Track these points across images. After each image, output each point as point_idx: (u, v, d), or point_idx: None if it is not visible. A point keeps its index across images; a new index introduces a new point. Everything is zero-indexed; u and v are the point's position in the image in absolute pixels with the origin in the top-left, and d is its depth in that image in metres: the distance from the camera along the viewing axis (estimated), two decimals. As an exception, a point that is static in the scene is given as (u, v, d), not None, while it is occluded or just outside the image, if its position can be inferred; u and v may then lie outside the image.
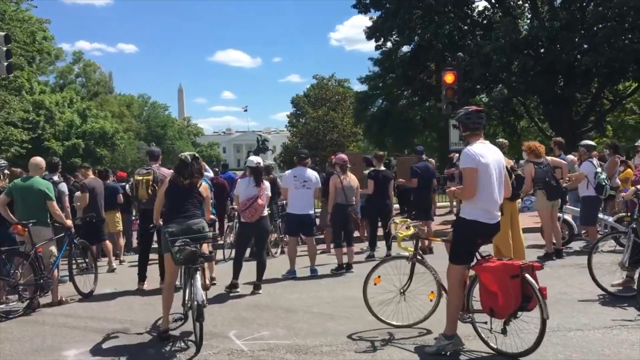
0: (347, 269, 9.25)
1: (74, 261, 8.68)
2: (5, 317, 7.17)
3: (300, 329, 6.17)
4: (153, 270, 9.00)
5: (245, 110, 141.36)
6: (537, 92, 30.18)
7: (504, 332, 5.13)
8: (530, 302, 5.03)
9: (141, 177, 8.59)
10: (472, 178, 4.98)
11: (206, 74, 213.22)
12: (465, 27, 34.24)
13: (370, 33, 39.87)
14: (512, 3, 33.00)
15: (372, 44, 38.40)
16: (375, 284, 6.00)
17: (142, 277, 8.80)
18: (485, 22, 33.80)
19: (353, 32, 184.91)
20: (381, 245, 10.92)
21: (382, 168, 10.52)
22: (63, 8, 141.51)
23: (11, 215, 7.79)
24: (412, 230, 5.90)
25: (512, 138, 45.67)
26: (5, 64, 15.12)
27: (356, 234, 13.36)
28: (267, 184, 8.36)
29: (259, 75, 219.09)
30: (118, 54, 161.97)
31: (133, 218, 13.70)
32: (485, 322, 5.28)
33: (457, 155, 15.01)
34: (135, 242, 13.89)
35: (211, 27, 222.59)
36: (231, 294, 7.96)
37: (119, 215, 12.00)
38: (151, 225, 7.16)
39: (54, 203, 7.81)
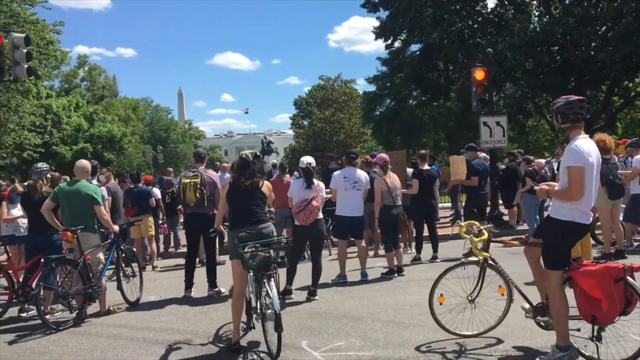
0: (398, 273, 8.92)
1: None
2: (56, 329, 6.83)
3: (377, 339, 5.83)
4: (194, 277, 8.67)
5: (247, 113, 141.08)
6: (552, 90, 29.82)
7: (598, 339, 4.82)
8: (630, 305, 4.73)
9: (188, 180, 8.28)
10: (580, 178, 4.65)
11: (205, 77, 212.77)
12: (476, 25, 33.88)
13: (380, 32, 39.60)
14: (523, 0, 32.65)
15: (371, 45, 38.50)
16: (440, 297, 5.63)
17: (189, 283, 8.47)
18: (497, 19, 33.46)
19: (351, 33, 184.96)
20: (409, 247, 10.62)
21: (427, 167, 10.18)
22: (60, 12, 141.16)
23: (56, 221, 7.46)
24: (485, 235, 5.57)
25: (521, 137, 45.52)
26: (26, 66, 14.73)
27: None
28: (321, 184, 8.04)
29: (258, 78, 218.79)
30: (117, 58, 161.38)
31: (160, 222, 13.39)
32: (578, 330, 4.98)
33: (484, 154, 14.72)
34: (162, 247, 13.67)
35: (210, 30, 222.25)
36: (287, 301, 7.62)
37: (151, 219, 11.67)
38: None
39: (102, 208, 7.49)
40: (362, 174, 8.83)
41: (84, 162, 7.75)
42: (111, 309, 7.64)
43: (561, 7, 31.37)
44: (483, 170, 10.57)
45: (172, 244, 13.80)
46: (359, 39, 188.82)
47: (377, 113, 44.05)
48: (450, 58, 36.27)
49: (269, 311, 5.29)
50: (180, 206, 14.45)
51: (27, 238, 7.84)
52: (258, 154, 5.93)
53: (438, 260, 10.06)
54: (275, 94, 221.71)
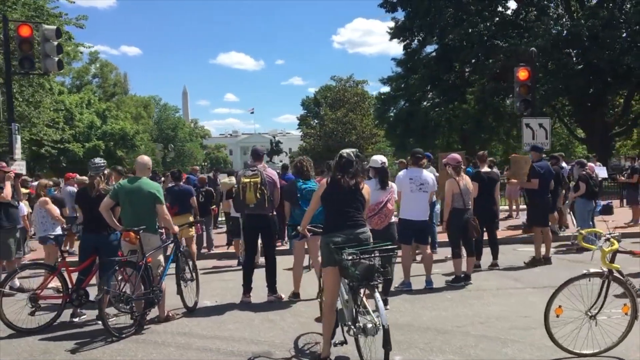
0: (465, 281, 8.44)
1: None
2: (118, 337, 6.36)
3: (477, 356, 5.37)
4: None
5: (252, 112, 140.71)
6: (575, 92, 29.39)
7: None
8: None
9: (248, 180, 7.81)
10: None
11: (209, 77, 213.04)
12: (494, 27, 33.41)
13: (396, 33, 39.22)
14: (545, 2, 32.16)
15: (375, 47, 38.15)
16: (559, 309, 5.14)
17: (247, 288, 8.00)
18: (519, 21, 33.03)
19: (355, 35, 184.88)
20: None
21: (487, 169, 9.71)
22: (64, 10, 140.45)
23: (115, 220, 7.01)
24: (615, 245, 5.08)
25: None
26: (56, 59, 14.30)
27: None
28: (394, 185, 7.58)
29: (262, 78, 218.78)
30: (121, 57, 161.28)
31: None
32: None
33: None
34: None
35: (214, 30, 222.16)
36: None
37: (192, 219, 11.17)
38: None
39: (164, 207, 7.02)
40: (428, 175, 8.36)
41: (146, 158, 7.29)
42: (170, 314, 7.18)
43: (584, 9, 30.92)
44: (546, 173, 10.07)
45: (204, 245, 13.33)
46: (362, 41, 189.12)
47: (391, 114, 43.62)
48: (469, 59, 35.92)
49: (370, 325, 4.83)
50: (214, 206, 14.07)
51: (81, 238, 7.36)
52: (359, 153, 5.44)
53: (498, 268, 9.59)
54: (279, 94, 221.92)
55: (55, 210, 9.02)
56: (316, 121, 61.63)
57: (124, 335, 6.41)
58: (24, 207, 10.66)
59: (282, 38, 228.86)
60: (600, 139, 32.24)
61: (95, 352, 6.02)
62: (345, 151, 5.38)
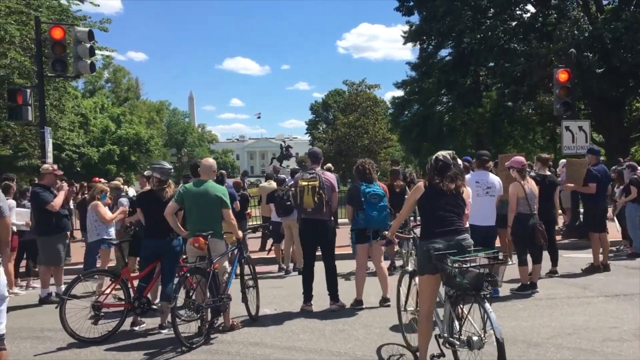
0: (531, 289, 8.13)
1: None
2: (189, 347, 6.08)
3: (583, 371, 5.07)
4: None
5: (259, 117, 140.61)
6: (598, 96, 29.05)
7: None
8: None
9: (306, 183, 7.54)
10: None
11: (215, 82, 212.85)
12: (513, 31, 33.12)
13: (410, 36, 38.99)
14: (564, 5, 31.84)
15: (379, 52, 38.11)
16: None
17: (308, 296, 7.71)
18: (538, 25, 32.73)
19: (360, 40, 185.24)
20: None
21: (547, 172, 9.41)
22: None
23: (179, 225, 6.75)
24: None
25: (550, 143, 44.67)
26: (89, 62, 14.09)
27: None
28: (469, 189, 7.28)
29: (268, 83, 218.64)
30: (128, 62, 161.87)
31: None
32: None
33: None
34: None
35: (220, 35, 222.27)
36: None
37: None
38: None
39: (230, 211, 6.74)
40: (495, 179, 8.08)
41: (211, 161, 7.05)
42: (234, 323, 6.89)
43: (605, 12, 30.62)
44: (603, 177, 9.76)
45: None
46: (367, 46, 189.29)
47: (406, 118, 43.31)
48: (487, 63, 35.67)
49: (475, 338, 4.55)
50: (248, 210, 13.81)
51: (142, 244, 7.08)
52: (454, 154, 5.16)
53: (557, 275, 9.27)
54: (284, 99, 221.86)
55: (107, 214, 8.79)
56: (325, 126, 61.29)
57: (194, 346, 6.13)
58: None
59: (288, 43, 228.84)
60: (617, 143, 31.87)
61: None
62: (441, 154, 5.11)
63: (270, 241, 12.83)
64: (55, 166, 9.18)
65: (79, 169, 36.18)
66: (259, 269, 11.04)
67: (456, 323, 4.82)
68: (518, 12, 33.55)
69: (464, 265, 4.59)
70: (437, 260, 4.78)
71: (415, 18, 38.45)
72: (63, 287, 8.65)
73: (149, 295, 6.98)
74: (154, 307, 6.95)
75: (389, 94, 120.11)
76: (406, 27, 39.04)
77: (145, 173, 8.00)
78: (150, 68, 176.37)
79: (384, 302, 7.74)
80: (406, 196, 8.65)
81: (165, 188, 6.99)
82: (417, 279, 5.23)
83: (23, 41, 17.38)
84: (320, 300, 7.77)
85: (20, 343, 6.59)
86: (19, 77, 16.91)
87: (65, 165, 28.18)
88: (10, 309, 5.66)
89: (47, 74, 14.46)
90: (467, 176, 8.11)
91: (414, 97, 41.78)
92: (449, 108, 40.45)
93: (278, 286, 9.56)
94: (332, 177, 7.81)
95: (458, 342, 4.73)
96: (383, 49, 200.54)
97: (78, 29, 14.21)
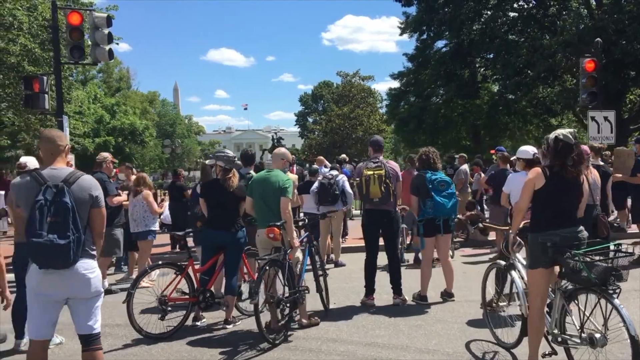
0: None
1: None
2: (272, 343, 5.79)
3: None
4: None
5: (246, 109, 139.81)
6: (603, 87, 29.03)
7: None
8: None
9: (371, 172, 7.27)
10: None
11: (200, 73, 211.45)
12: (514, 22, 33.04)
13: (407, 27, 38.79)
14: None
15: (364, 44, 37.65)
16: None
17: (370, 289, 7.46)
18: (538, 16, 32.68)
19: (345, 32, 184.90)
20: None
21: (600, 162, 9.22)
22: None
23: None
24: None
25: (545, 135, 44.62)
26: (107, 48, 13.65)
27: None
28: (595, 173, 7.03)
29: (253, 74, 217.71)
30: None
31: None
32: None
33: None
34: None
35: (204, 26, 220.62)
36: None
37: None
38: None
39: (288, 201, 6.41)
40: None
41: (283, 150, 6.76)
42: (313, 319, 6.59)
43: (607, 4, 30.56)
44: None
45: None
46: (352, 38, 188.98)
47: (402, 110, 43.07)
48: (488, 54, 35.58)
49: (598, 335, 4.33)
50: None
51: (204, 236, 6.78)
52: (575, 133, 4.72)
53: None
54: (269, 91, 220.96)
55: (154, 204, 8.49)
56: (320, 117, 60.85)
57: (277, 342, 5.85)
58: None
59: (273, 35, 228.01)
60: (615, 135, 31.93)
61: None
62: (561, 132, 4.64)
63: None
64: (111, 155, 8.81)
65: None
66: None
67: (573, 319, 4.60)
68: (520, 3, 33.40)
69: (595, 259, 4.36)
70: (555, 253, 4.55)
71: (412, 9, 38.31)
72: (106, 281, 8.38)
73: (212, 289, 6.68)
74: (219, 301, 6.67)
75: (377, 85, 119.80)
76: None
77: (208, 162, 7.67)
78: (134, 59, 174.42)
79: (448, 296, 7.52)
80: None
81: (230, 177, 6.67)
82: (512, 272, 5.03)
83: (31, 27, 16.83)
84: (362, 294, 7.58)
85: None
86: (29, 64, 16.35)
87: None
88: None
89: (64, 61, 13.96)
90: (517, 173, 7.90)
91: (410, 88, 41.56)
92: (447, 99, 40.25)
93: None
94: (396, 165, 7.57)
95: (579, 340, 4.51)
96: (368, 41, 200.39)
97: (96, 14, 13.76)
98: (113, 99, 44.64)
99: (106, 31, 13.60)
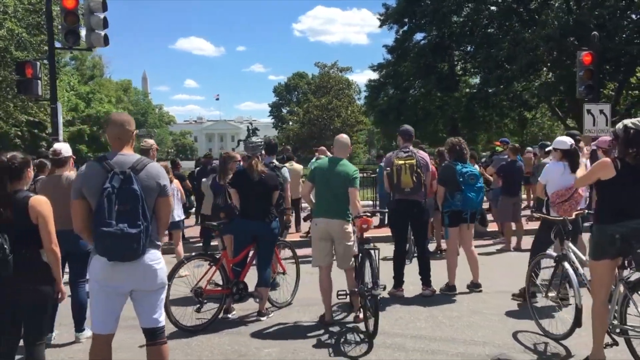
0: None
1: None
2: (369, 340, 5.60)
3: None
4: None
5: (218, 99, 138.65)
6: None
7: None
8: None
9: (402, 162, 7.16)
10: None
11: (168, 62, 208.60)
12: (496, 16, 33.30)
13: (390, 18, 38.77)
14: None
15: (335, 36, 37.72)
16: None
17: (399, 281, 7.38)
18: (520, 10, 32.98)
19: (316, 23, 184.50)
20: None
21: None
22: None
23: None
24: None
25: (522, 130, 45.33)
26: (102, 33, 13.26)
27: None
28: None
29: (223, 64, 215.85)
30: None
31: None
32: None
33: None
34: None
35: (173, 14, 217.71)
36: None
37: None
38: (563, 225, 5.58)
39: (357, 191, 6.28)
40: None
41: (345, 137, 6.58)
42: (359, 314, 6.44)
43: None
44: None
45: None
46: (324, 29, 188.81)
47: (382, 101, 43.11)
48: (467, 47, 35.83)
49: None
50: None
51: (236, 226, 6.58)
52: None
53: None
54: (240, 81, 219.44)
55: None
56: (297, 108, 60.56)
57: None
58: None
59: (243, 24, 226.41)
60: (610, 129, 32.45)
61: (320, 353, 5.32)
62: (630, 121, 4.55)
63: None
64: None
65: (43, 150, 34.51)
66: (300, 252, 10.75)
67: (639, 310, 4.57)
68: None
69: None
70: (623, 245, 4.50)
71: (392, 1, 38.31)
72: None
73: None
74: (252, 293, 6.51)
75: (351, 77, 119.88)
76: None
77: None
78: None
79: (475, 287, 7.48)
80: None
81: (251, 163, 6.50)
82: (565, 264, 4.99)
83: (16, 11, 16.29)
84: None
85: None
86: (16, 49, 15.82)
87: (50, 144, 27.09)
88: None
89: (58, 47, 13.53)
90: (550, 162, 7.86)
91: (389, 80, 41.61)
92: (426, 92, 40.41)
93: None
94: (426, 155, 7.52)
95: (627, 329, 4.49)
96: (339, 32, 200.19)
97: (91, -2, 13.33)
98: (87, 86, 43.66)
99: (102, 16, 13.21)
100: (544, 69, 32.06)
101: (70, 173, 5.81)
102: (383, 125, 44.16)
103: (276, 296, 6.97)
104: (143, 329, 3.98)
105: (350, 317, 6.47)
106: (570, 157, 6.57)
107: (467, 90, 40.13)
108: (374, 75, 43.10)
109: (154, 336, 3.96)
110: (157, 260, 3.88)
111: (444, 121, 41.87)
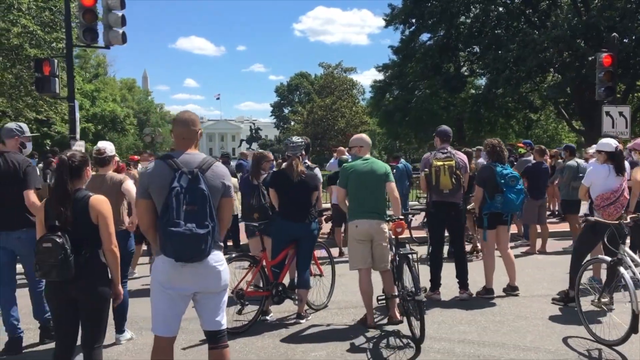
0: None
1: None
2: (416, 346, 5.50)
3: None
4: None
5: (218, 99, 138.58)
6: (591, 85, 29.40)
7: None
8: None
9: (441, 163, 7.05)
10: None
11: (169, 61, 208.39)
12: (505, 16, 33.23)
13: (396, 18, 38.64)
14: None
15: (336, 36, 37.49)
16: None
17: (436, 284, 7.26)
18: (528, 12, 32.92)
19: (316, 23, 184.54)
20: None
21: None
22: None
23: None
24: None
25: (527, 131, 45.23)
26: (120, 31, 13.18)
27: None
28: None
29: (223, 64, 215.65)
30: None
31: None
32: None
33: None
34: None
35: (174, 13, 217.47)
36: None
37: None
38: (619, 229, 5.47)
39: (394, 184, 6.19)
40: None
41: (366, 135, 6.48)
42: (398, 315, 6.33)
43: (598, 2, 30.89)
44: None
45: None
46: (324, 30, 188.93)
47: (387, 102, 43.02)
48: (474, 48, 35.74)
49: None
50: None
51: (276, 227, 6.47)
52: None
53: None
54: (240, 81, 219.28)
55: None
56: (302, 108, 60.37)
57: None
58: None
59: (244, 24, 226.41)
60: (599, 132, 32.35)
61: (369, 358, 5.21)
62: None
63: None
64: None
65: (48, 147, 34.43)
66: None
67: None
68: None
69: None
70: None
71: (397, 1, 38.17)
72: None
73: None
74: (291, 295, 6.40)
75: (379, 77, 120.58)
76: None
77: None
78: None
79: (512, 290, 7.36)
80: None
81: (292, 163, 6.40)
82: (620, 268, 4.88)
83: (30, 8, 16.17)
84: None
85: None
86: (30, 46, 15.69)
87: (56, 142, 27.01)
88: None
89: (76, 45, 13.42)
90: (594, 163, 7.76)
91: (394, 81, 41.48)
92: (432, 93, 40.33)
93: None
94: (464, 156, 7.38)
95: None
96: (339, 32, 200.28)
97: (109, -5, 13.21)
98: (92, 85, 43.50)
99: (120, 13, 13.15)
100: (551, 70, 31.98)
101: (112, 173, 5.70)
102: (388, 125, 44.06)
103: (313, 298, 6.85)
104: (205, 331, 3.89)
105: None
106: (616, 160, 6.46)
107: (473, 91, 40.09)
108: (375, 76, 43.20)
109: (216, 340, 3.87)
110: (220, 261, 3.78)
111: (449, 122, 41.74)
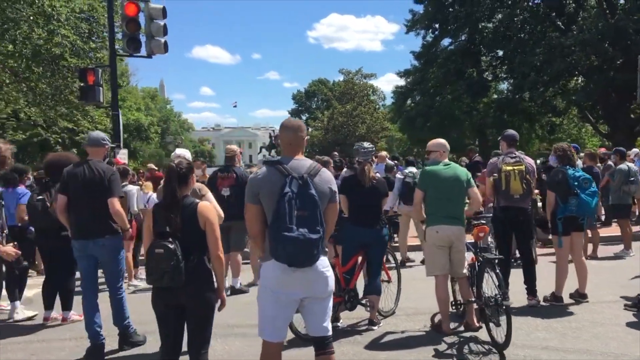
0: None
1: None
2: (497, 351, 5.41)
3: None
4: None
5: (235, 106, 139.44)
6: (622, 86, 29.12)
7: None
8: None
9: (511, 168, 6.98)
10: None
11: (185, 70, 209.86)
12: (530, 20, 33.09)
13: (418, 23, 38.57)
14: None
15: (350, 43, 37.41)
16: None
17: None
18: (553, 15, 32.72)
19: (330, 30, 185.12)
20: None
21: None
22: None
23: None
24: None
25: (550, 136, 44.85)
26: (162, 40, 13.31)
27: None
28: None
29: (238, 72, 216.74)
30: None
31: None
32: None
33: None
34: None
35: (189, 23, 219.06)
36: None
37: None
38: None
39: (476, 188, 6.18)
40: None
41: (443, 140, 6.46)
42: (476, 322, 6.23)
43: (625, 2, 30.66)
44: None
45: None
46: (338, 37, 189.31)
47: (409, 107, 42.89)
48: (498, 52, 35.60)
49: None
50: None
51: (346, 233, 6.44)
52: None
53: None
54: (255, 89, 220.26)
55: None
56: (322, 114, 60.43)
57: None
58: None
59: (258, 32, 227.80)
60: (624, 135, 32.02)
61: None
62: None
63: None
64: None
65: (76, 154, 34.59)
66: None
67: None
68: (537, 1, 33.35)
69: None
70: None
71: (419, 7, 38.09)
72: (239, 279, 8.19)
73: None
74: (363, 302, 6.38)
75: (401, 82, 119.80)
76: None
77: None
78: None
79: (581, 297, 7.24)
80: None
81: (364, 169, 6.38)
82: None
83: (68, 18, 16.35)
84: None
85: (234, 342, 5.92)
86: (70, 56, 15.86)
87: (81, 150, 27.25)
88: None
89: (119, 53, 13.56)
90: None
91: (416, 86, 41.35)
92: (455, 98, 40.16)
93: (411, 278, 8.81)
94: (532, 160, 7.31)
95: None
96: (353, 39, 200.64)
97: (151, 5, 13.36)
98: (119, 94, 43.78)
99: (162, 22, 13.29)
100: (576, 73, 31.75)
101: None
102: (410, 131, 43.90)
103: (381, 305, 6.80)
104: (312, 337, 3.88)
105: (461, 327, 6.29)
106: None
107: (495, 96, 39.89)
108: (390, 81, 43.34)
109: (323, 345, 3.86)
110: (327, 266, 3.79)
111: (471, 127, 41.61)
